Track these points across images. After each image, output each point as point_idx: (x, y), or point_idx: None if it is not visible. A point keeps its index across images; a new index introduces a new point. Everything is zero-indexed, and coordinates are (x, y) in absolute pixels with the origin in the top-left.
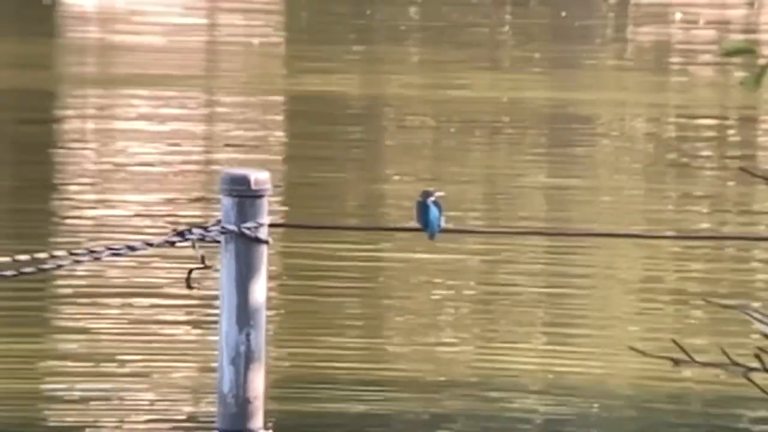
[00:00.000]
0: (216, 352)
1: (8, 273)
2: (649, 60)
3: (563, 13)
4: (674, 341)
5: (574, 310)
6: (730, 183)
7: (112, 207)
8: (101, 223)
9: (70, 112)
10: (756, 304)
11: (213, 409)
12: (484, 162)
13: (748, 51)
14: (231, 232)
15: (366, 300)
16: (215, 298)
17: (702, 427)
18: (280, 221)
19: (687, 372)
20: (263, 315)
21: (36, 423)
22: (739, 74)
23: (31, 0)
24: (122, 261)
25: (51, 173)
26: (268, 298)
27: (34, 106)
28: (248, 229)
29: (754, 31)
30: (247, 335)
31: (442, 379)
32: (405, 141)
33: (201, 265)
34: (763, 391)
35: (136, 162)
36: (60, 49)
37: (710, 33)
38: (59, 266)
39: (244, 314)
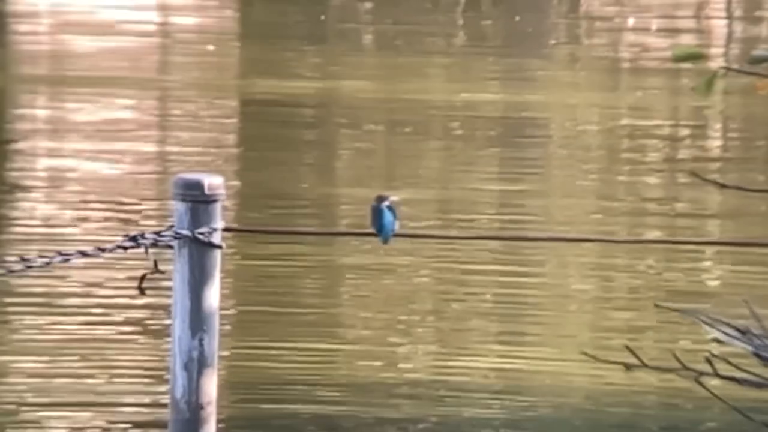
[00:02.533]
0: (169, 358)
1: None
2: (601, 64)
3: (517, 18)
4: (626, 347)
5: (527, 314)
6: (682, 187)
7: (64, 212)
8: (52, 227)
9: (21, 114)
10: (707, 310)
11: (165, 416)
12: (438, 166)
13: (697, 57)
14: (184, 237)
15: (319, 303)
16: (168, 303)
17: (654, 430)
18: (234, 226)
19: (641, 376)
20: (216, 320)
21: None
22: (688, 80)
23: None
24: (74, 266)
25: (1, 177)
26: (222, 304)
27: None
28: (201, 234)
29: (705, 38)
30: (200, 340)
31: (396, 382)
32: (359, 144)
33: (154, 270)
34: (714, 395)
35: (87, 166)
36: (10, 50)
37: (661, 39)
38: (10, 271)
39: (197, 319)
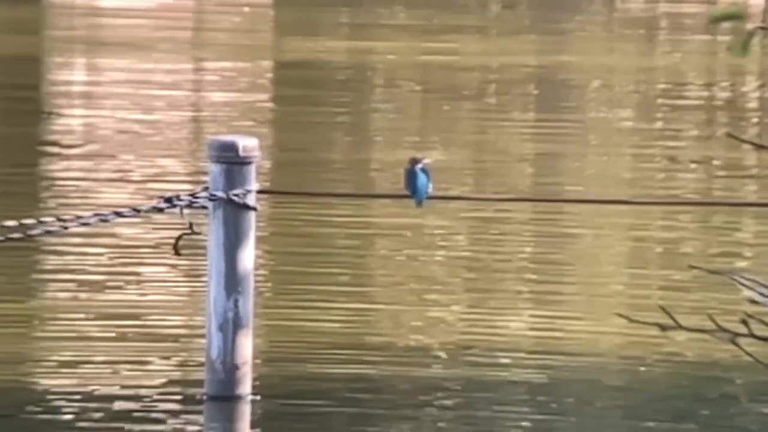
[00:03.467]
0: (204, 319)
1: None
2: (637, 26)
3: None
4: (661, 307)
5: (562, 276)
6: (718, 148)
7: (100, 173)
8: (89, 188)
9: (56, 78)
10: (742, 270)
11: (201, 375)
12: (472, 128)
13: (736, 17)
14: (219, 199)
15: (354, 266)
16: (203, 264)
17: (689, 391)
18: (268, 188)
19: (675, 338)
20: (251, 281)
21: (24, 387)
22: (726, 39)
23: None
24: (110, 227)
25: (38, 139)
26: (257, 265)
27: (22, 71)
28: (236, 195)
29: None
30: (235, 301)
31: (431, 344)
32: (393, 107)
33: (189, 232)
34: (750, 355)
35: (123, 128)
36: (47, 13)
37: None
38: (47, 232)
39: (232, 281)
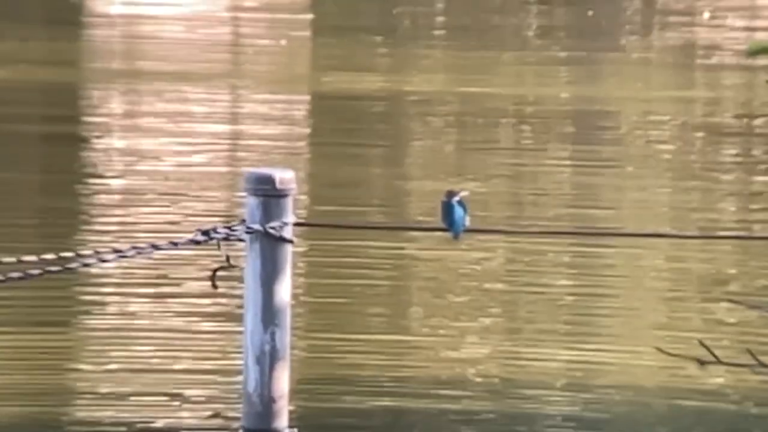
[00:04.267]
0: (241, 352)
1: (34, 272)
2: (675, 58)
3: (590, 12)
4: (700, 342)
5: (600, 309)
6: (758, 181)
7: (138, 205)
8: (127, 221)
9: (96, 109)
10: None
11: (239, 407)
12: (509, 160)
13: None
14: (256, 231)
15: (391, 298)
16: (240, 297)
17: (728, 427)
18: (305, 220)
19: (714, 372)
20: (288, 314)
21: (59, 419)
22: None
23: None
24: (148, 260)
25: (77, 171)
26: (293, 297)
27: (61, 102)
28: (273, 228)
29: None
30: (272, 334)
31: (468, 377)
32: (430, 139)
33: (226, 265)
34: None
35: (160, 160)
36: (85, 46)
37: (737, 33)
38: (85, 265)
39: (269, 313)
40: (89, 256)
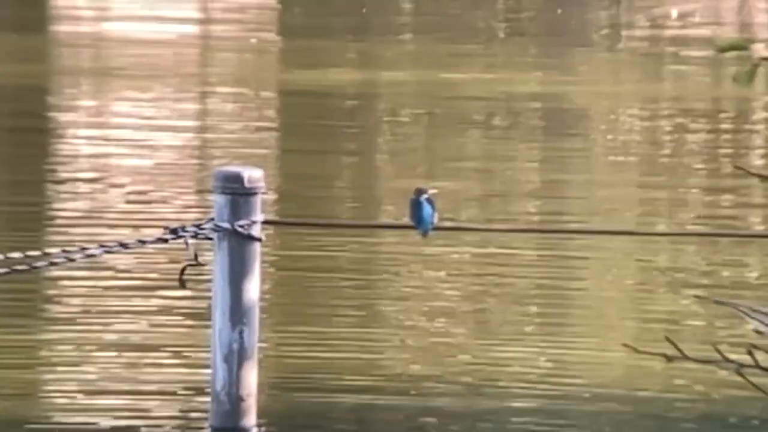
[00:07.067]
0: (209, 350)
1: (0, 271)
2: (643, 55)
3: (558, 11)
4: (667, 338)
5: (567, 306)
6: (725, 178)
7: (106, 204)
8: (94, 219)
9: (63, 106)
10: (748, 301)
11: (206, 406)
12: (478, 157)
13: (741, 48)
14: (224, 229)
15: (359, 296)
16: (208, 296)
17: (694, 422)
18: (274, 218)
19: (681, 368)
20: (256, 312)
21: (26, 417)
22: (732, 69)
23: None
24: (115, 258)
25: (43, 169)
26: (261, 296)
27: (27, 99)
28: (241, 226)
29: (747, 28)
30: (240, 333)
31: (437, 374)
32: (399, 136)
33: (194, 263)
34: (755, 386)
35: (128, 158)
36: (53, 43)
37: (705, 29)
38: (52, 264)
39: (237, 312)
40: (56, 255)
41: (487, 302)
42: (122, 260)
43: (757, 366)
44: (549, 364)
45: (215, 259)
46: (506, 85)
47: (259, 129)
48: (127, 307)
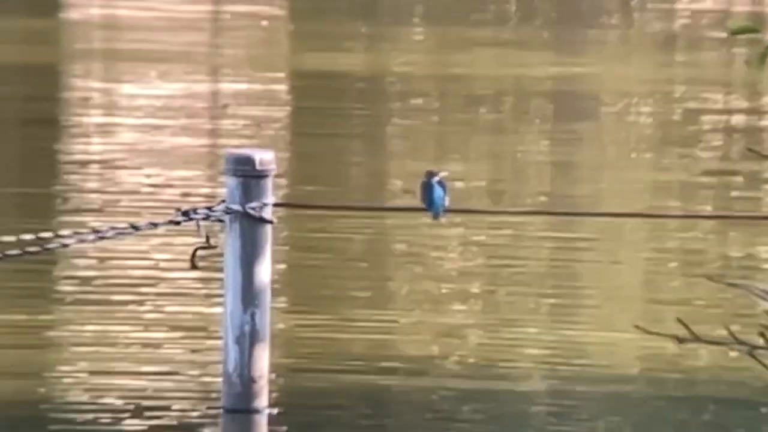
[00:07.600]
0: (221, 332)
1: (13, 252)
2: (655, 37)
3: None
4: (679, 319)
5: (579, 288)
6: (737, 161)
7: (117, 186)
8: (106, 202)
9: (75, 90)
10: (760, 283)
11: (218, 388)
12: (489, 141)
13: (753, 30)
14: (235, 212)
15: (370, 278)
16: (220, 278)
17: (705, 404)
18: (285, 201)
19: (693, 350)
20: (268, 294)
21: (38, 399)
22: (743, 51)
23: None
24: (127, 240)
25: (56, 151)
26: (273, 278)
27: (39, 83)
28: (253, 209)
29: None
30: (252, 315)
31: (448, 357)
32: (410, 119)
33: (206, 245)
34: (766, 367)
35: (140, 141)
36: (65, 25)
37: (717, 13)
38: (64, 246)
39: (249, 294)
40: (68, 236)
41: (498, 284)
42: (134, 242)
43: None
44: (560, 346)
45: (227, 242)
46: (518, 67)
47: (270, 111)
48: (138, 289)
